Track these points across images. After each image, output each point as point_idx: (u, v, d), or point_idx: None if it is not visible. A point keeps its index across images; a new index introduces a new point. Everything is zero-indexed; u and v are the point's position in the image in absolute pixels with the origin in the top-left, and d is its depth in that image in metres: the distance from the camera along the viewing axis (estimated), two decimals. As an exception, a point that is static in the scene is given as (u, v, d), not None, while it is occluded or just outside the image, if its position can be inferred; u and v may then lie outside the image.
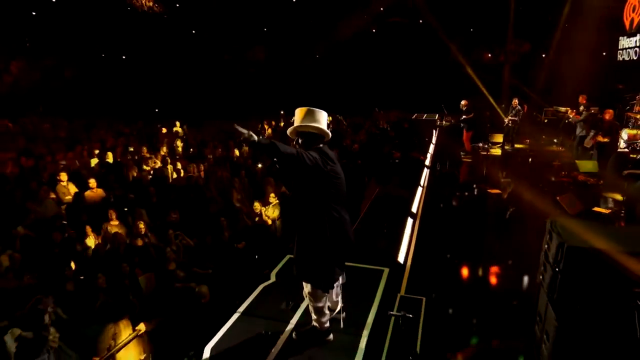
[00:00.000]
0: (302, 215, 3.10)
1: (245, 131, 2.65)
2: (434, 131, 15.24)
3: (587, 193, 8.01)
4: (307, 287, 3.18)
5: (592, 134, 9.39)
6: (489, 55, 23.09)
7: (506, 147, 11.90)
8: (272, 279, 4.18)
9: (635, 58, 13.62)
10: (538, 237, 5.89)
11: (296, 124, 3.11)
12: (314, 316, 3.27)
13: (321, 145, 3.06)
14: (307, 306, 3.32)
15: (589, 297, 2.76)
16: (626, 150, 8.92)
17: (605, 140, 8.33)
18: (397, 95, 20.90)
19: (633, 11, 13.80)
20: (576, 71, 17.23)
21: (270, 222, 7.28)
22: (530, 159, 11.28)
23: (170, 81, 20.56)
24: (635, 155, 8.63)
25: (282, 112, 17.79)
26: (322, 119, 3.11)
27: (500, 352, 3.63)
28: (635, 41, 13.62)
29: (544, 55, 21.21)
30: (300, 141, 3.12)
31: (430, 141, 13.54)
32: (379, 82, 21.55)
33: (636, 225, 5.60)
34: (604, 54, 17.50)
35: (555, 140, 12.91)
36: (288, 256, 4.64)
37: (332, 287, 3.18)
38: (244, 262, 5.88)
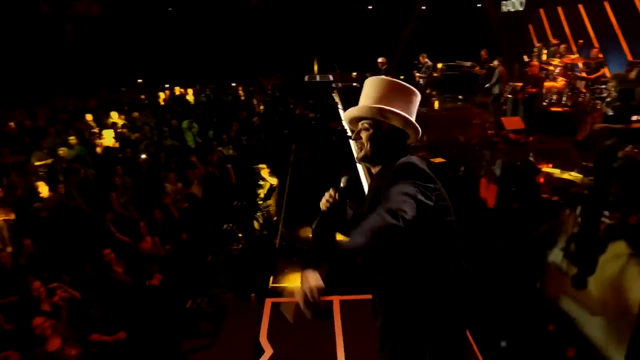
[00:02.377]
0: (392, 282, 1.88)
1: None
2: (334, 95, 14.63)
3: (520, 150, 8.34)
4: None
5: (509, 88, 9.79)
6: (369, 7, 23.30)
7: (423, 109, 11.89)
8: (267, 349, 2.87)
9: (520, 9, 14.91)
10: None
11: (374, 102, 1.84)
12: None
13: (409, 158, 1.81)
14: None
15: None
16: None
17: (535, 90, 8.69)
18: (277, 58, 19.56)
19: (516, -40, 14.94)
20: (453, 24, 18.44)
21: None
22: (446, 120, 11.47)
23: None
24: (557, 109, 9.28)
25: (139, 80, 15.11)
26: (414, 105, 1.90)
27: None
28: (520, -9, 14.84)
29: (423, 7, 22.28)
30: (372, 138, 1.86)
31: (337, 106, 12.89)
32: (253, 46, 19.79)
33: None
34: (479, 5, 18.97)
35: (460, 97, 13.48)
36: (271, 301, 3.35)
37: None
38: (171, 311, 4.34)
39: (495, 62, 10.14)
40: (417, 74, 11.74)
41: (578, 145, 8.29)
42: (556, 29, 13.03)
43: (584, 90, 9.35)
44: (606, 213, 5.84)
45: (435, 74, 14.27)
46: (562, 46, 10.71)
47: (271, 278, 5.53)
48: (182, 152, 7.98)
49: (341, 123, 10.63)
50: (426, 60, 11.77)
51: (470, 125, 10.49)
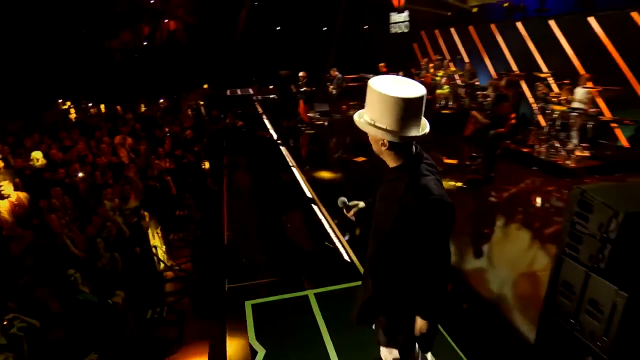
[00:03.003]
0: (411, 268, 1.90)
1: None
2: (257, 105, 14.39)
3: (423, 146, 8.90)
4: (391, 353, 2.07)
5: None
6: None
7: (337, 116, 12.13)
8: (259, 350, 2.69)
9: (406, 31, 15.93)
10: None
11: (366, 115, 1.85)
12: None
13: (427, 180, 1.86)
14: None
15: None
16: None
17: (429, 97, 9.38)
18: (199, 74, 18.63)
19: (399, -9, 15.94)
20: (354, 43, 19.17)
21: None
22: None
23: None
24: (446, 111, 10.08)
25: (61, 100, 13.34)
26: (400, 112, 1.81)
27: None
28: (404, 17, 15.86)
29: (325, 28, 22.85)
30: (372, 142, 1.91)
31: (262, 116, 12.66)
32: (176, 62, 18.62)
33: None
34: (366, 27, 19.93)
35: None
36: (251, 303, 3.15)
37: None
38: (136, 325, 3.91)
39: (400, 74, 10.72)
40: (330, 86, 11.97)
41: (466, 140, 9.11)
42: (435, 47, 14.18)
43: (464, 96, 10.30)
44: (492, 193, 6.53)
45: (345, 84, 14.69)
46: (445, 60, 11.67)
47: (226, 280, 5.28)
48: (118, 168, 7.24)
49: (269, 131, 10.50)
50: (336, 73, 12.04)
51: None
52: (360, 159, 8.10)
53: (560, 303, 3.14)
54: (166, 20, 20.17)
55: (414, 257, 1.83)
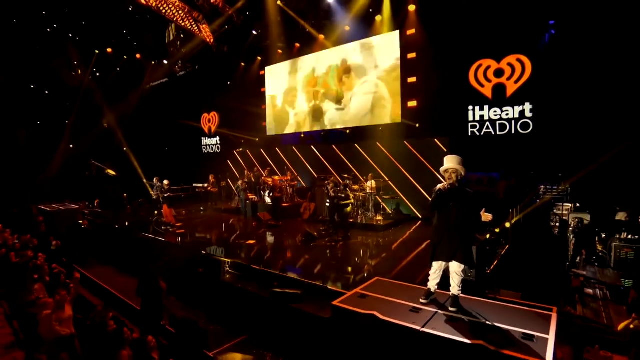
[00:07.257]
0: (469, 226, 4.24)
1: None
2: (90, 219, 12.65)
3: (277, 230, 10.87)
4: (461, 267, 4.23)
5: (255, 195, 12.40)
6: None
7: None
8: (372, 311, 3.99)
9: (218, 151, 18.21)
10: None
11: (455, 164, 4.25)
12: (458, 288, 4.28)
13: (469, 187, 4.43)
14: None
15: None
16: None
17: (279, 195, 11.64)
18: None
19: (209, 122, 18.43)
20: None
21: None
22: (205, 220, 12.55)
23: None
24: (285, 204, 12.52)
25: None
26: (462, 163, 4.31)
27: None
28: (216, 141, 18.26)
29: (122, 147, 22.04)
30: (457, 177, 4.30)
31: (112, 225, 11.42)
32: None
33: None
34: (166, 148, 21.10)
35: (201, 208, 14.74)
36: (335, 304, 4.27)
37: None
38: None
39: (239, 182, 12.66)
40: (152, 192, 12.40)
41: (306, 220, 11.74)
42: (249, 163, 17.01)
43: (292, 193, 13.20)
44: (353, 243, 9.12)
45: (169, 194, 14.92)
46: (266, 170, 14.45)
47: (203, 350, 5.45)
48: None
49: (146, 234, 9.85)
50: (166, 182, 12.54)
51: (232, 223, 12.14)
52: (251, 241, 9.28)
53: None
54: None
55: (470, 218, 4.24)
